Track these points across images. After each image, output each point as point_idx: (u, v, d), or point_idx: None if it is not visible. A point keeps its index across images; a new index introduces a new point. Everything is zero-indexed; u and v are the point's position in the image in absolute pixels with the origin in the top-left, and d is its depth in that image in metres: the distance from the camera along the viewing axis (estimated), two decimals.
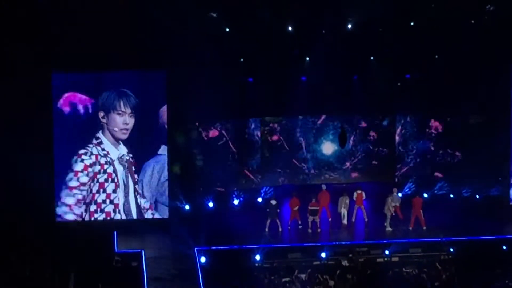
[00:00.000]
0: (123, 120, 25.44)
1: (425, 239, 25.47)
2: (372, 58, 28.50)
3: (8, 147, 24.24)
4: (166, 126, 25.72)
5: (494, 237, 25.45)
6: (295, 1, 26.15)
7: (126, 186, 25.69)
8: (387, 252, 24.76)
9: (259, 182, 29.42)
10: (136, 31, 24.43)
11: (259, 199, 28.93)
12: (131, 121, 25.45)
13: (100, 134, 25.39)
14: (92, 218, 25.44)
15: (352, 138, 29.94)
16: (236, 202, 28.74)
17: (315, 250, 24.66)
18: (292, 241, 25.83)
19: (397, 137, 30.32)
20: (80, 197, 25.33)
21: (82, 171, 25.32)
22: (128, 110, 25.39)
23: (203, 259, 23.70)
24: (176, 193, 26.66)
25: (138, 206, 25.79)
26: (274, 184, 29.48)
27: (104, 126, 25.40)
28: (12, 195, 24.40)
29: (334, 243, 25.25)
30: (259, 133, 29.36)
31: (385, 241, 25.46)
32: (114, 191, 25.58)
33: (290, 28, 26.85)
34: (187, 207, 27.31)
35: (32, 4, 23.89)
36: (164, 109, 25.64)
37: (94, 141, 25.39)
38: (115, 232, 24.90)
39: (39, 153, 24.65)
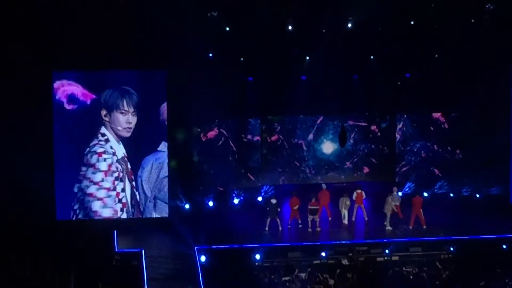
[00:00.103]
0: (126, 119, 25.45)
1: (425, 238, 25.47)
2: (372, 57, 28.54)
3: (8, 147, 24.23)
4: (166, 123, 25.71)
5: (494, 236, 25.44)
6: (295, 0, 26.16)
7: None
8: (387, 251, 24.76)
9: (259, 181, 29.44)
10: (136, 31, 24.42)
11: (259, 198, 28.96)
12: (134, 120, 25.46)
13: (105, 131, 25.36)
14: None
15: (352, 137, 29.95)
16: (236, 201, 28.76)
17: (315, 249, 24.67)
18: (292, 240, 25.81)
19: (397, 136, 30.34)
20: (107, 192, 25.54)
21: (102, 167, 25.40)
22: (131, 109, 25.39)
23: (203, 258, 23.70)
24: (176, 192, 26.68)
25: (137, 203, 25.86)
26: (274, 183, 29.51)
27: (107, 124, 25.44)
28: (12, 195, 24.42)
29: (334, 242, 25.24)
30: (259, 132, 29.38)
31: (385, 240, 25.46)
32: (123, 190, 25.68)
33: (290, 28, 26.86)
34: (187, 206, 27.32)
35: (32, 4, 23.88)
36: (164, 107, 25.63)
37: (101, 138, 25.38)
38: (115, 232, 24.93)
39: (39, 153, 24.67)
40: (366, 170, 30.49)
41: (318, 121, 30.04)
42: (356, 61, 28.27)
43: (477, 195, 29.22)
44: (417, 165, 30.27)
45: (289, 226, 26.68)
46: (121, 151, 25.53)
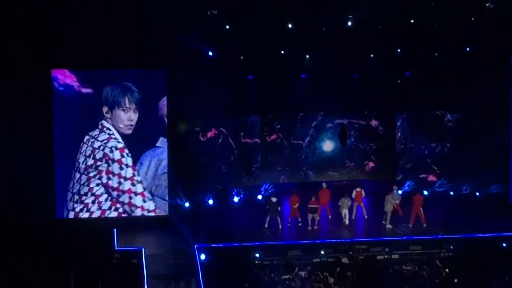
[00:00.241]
0: (128, 116, 25.52)
1: (425, 237, 25.46)
2: (372, 56, 28.55)
3: (7, 147, 24.29)
4: (165, 119, 25.75)
5: (493, 234, 25.44)
6: None
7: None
8: (387, 249, 24.80)
9: (259, 180, 29.47)
10: (136, 30, 24.46)
11: (259, 197, 29.01)
12: (135, 117, 25.55)
13: (110, 127, 25.47)
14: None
15: (352, 136, 29.97)
16: (236, 199, 28.81)
17: (315, 247, 24.66)
18: (292, 238, 25.83)
19: (397, 135, 30.35)
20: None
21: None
22: (133, 106, 25.47)
23: (203, 257, 23.71)
24: (176, 190, 26.73)
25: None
26: (274, 181, 29.55)
27: (108, 121, 25.48)
28: (11, 194, 24.47)
29: (334, 240, 25.24)
30: (259, 131, 29.41)
31: (385, 238, 25.48)
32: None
33: (290, 26, 26.88)
34: (187, 204, 27.38)
35: (32, 4, 23.92)
36: (163, 102, 25.66)
37: (106, 134, 25.52)
38: (114, 230, 24.97)
39: (39, 152, 24.73)
40: (366, 168, 30.51)
41: (318, 120, 30.06)
42: (356, 60, 28.30)
43: (477, 194, 29.25)
44: (417, 163, 30.28)
45: (289, 225, 26.71)
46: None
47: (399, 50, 28.12)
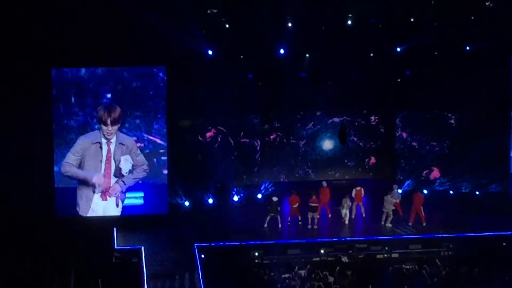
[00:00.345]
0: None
1: (425, 236, 25.46)
2: (372, 54, 28.54)
3: (8, 145, 24.26)
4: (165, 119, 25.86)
5: (493, 233, 25.44)
6: None
7: None
8: (387, 248, 24.80)
9: (259, 179, 29.45)
10: (136, 29, 24.45)
11: (259, 196, 28.99)
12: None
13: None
14: None
15: (352, 135, 29.96)
16: (236, 198, 28.79)
17: (314, 246, 24.66)
18: (292, 237, 25.82)
19: (397, 134, 30.36)
20: None
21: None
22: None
23: (203, 256, 23.71)
24: (176, 189, 26.71)
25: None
26: (274, 180, 29.53)
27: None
28: (11, 193, 24.44)
29: (334, 239, 25.24)
30: (259, 130, 29.40)
31: (385, 237, 25.47)
32: None
33: (289, 25, 26.86)
34: (187, 203, 27.36)
35: (32, 3, 23.88)
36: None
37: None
38: (114, 229, 24.95)
39: (38, 151, 24.72)
40: (366, 167, 30.51)
41: (318, 119, 30.06)
42: (356, 59, 28.29)
43: (477, 193, 29.25)
44: (417, 162, 30.29)
45: (289, 223, 26.68)
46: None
47: (399, 49, 28.11)
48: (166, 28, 24.58)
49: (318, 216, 26.43)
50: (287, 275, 22.81)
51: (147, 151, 25.89)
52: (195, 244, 24.02)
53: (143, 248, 23.89)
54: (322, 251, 24.32)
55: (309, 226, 26.32)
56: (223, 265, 23.03)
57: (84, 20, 23.88)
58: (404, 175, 30.12)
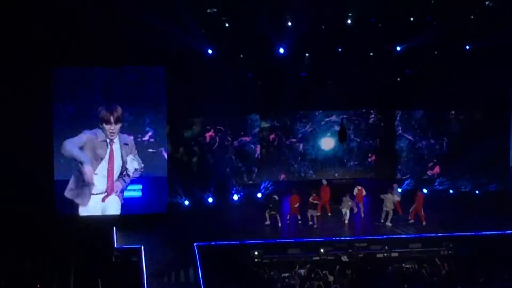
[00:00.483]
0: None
1: (425, 235, 25.45)
2: (371, 54, 28.54)
3: (8, 144, 24.28)
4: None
5: (493, 232, 25.43)
6: None
7: None
8: (386, 247, 24.79)
9: (259, 178, 29.46)
10: (136, 29, 24.43)
11: (259, 195, 29.00)
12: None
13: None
14: None
15: (352, 134, 29.97)
16: (235, 197, 28.80)
17: (314, 245, 24.66)
18: (292, 236, 25.81)
19: (397, 133, 30.36)
20: None
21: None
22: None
23: (202, 255, 23.69)
24: (175, 188, 26.72)
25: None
26: (273, 179, 29.53)
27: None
28: (11, 191, 24.46)
29: (334, 238, 25.22)
30: (258, 129, 29.40)
31: (384, 236, 25.45)
32: None
33: (289, 24, 26.87)
34: (186, 202, 27.38)
35: (32, 2, 23.90)
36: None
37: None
38: (114, 228, 24.96)
39: (38, 150, 24.74)
40: (365, 166, 30.50)
41: (318, 118, 30.05)
42: (355, 58, 28.29)
43: (477, 192, 29.26)
44: (417, 161, 30.29)
45: (288, 222, 26.65)
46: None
47: (398, 49, 28.11)
48: (165, 27, 24.57)
49: (318, 214, 26.40)
50: (287, 274, 22.80)
51: (147, 150, 25.90)
52: (194, 243, 24.01)
53: (143, 247, 23.89)
54: (322, 250, 24.32)
55: (310, 222, 26.22)
56: (222, 264, 23.03)
57: (84, 20, 23.86)
58: (404, 175, 30.10)
